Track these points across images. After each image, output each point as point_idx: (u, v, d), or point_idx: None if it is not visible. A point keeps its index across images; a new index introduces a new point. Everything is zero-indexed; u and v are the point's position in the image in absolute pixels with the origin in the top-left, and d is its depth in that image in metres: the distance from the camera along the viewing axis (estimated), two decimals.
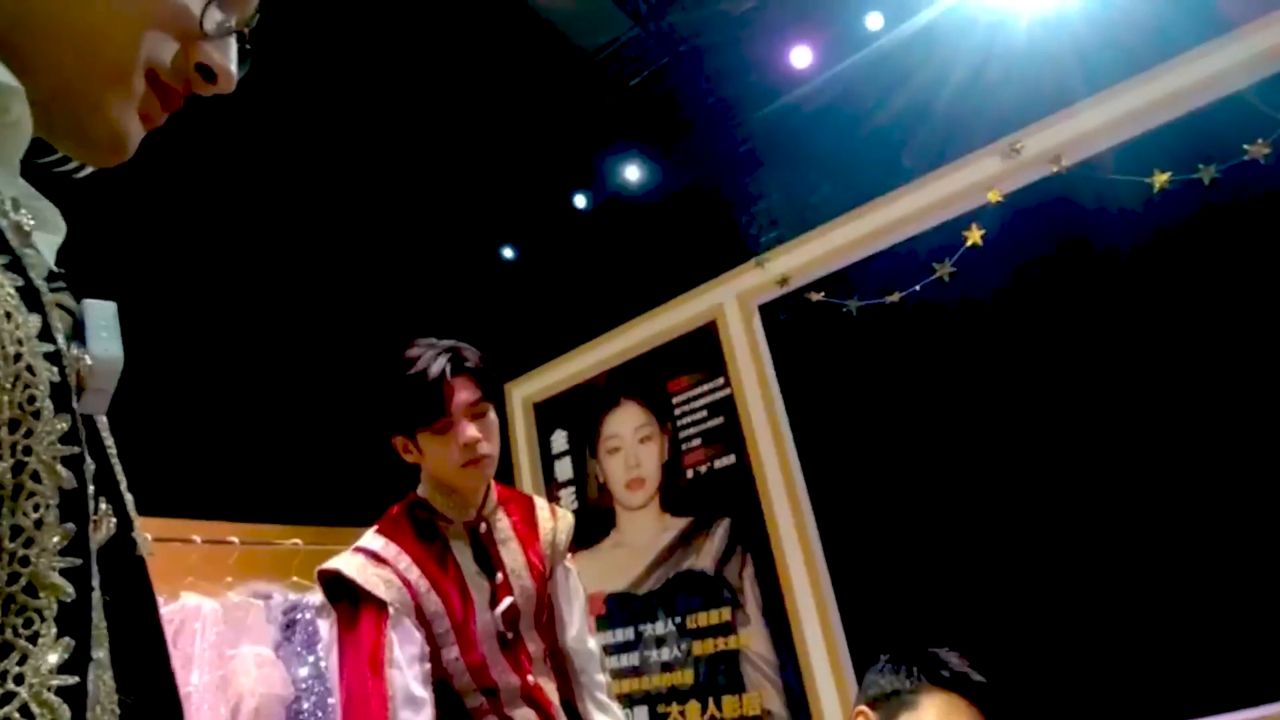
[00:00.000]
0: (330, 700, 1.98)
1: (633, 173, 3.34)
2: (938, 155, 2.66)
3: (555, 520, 1.83)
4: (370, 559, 1.55)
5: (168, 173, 2.28)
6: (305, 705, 1.94)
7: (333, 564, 1.56)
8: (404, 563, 1.57)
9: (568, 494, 3.23)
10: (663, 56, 3.09)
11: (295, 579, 2.23)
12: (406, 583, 1.55)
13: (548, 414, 3.38)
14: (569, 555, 1.85)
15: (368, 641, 1.49)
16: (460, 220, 3.42)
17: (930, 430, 2.61)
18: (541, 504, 1.86)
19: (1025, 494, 2.40)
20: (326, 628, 2.12)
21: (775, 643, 2.68)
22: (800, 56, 2.91)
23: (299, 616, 2.09)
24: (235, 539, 2.28)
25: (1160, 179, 2.29)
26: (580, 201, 3.54)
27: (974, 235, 2.58)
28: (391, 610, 1.52)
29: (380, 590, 1.52)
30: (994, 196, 2.55)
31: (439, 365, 1.58)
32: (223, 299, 2.91)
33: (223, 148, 2.59)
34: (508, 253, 3.69)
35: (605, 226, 3.39)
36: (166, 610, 2.03)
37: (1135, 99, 2.34)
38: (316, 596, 2.16)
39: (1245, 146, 2.18)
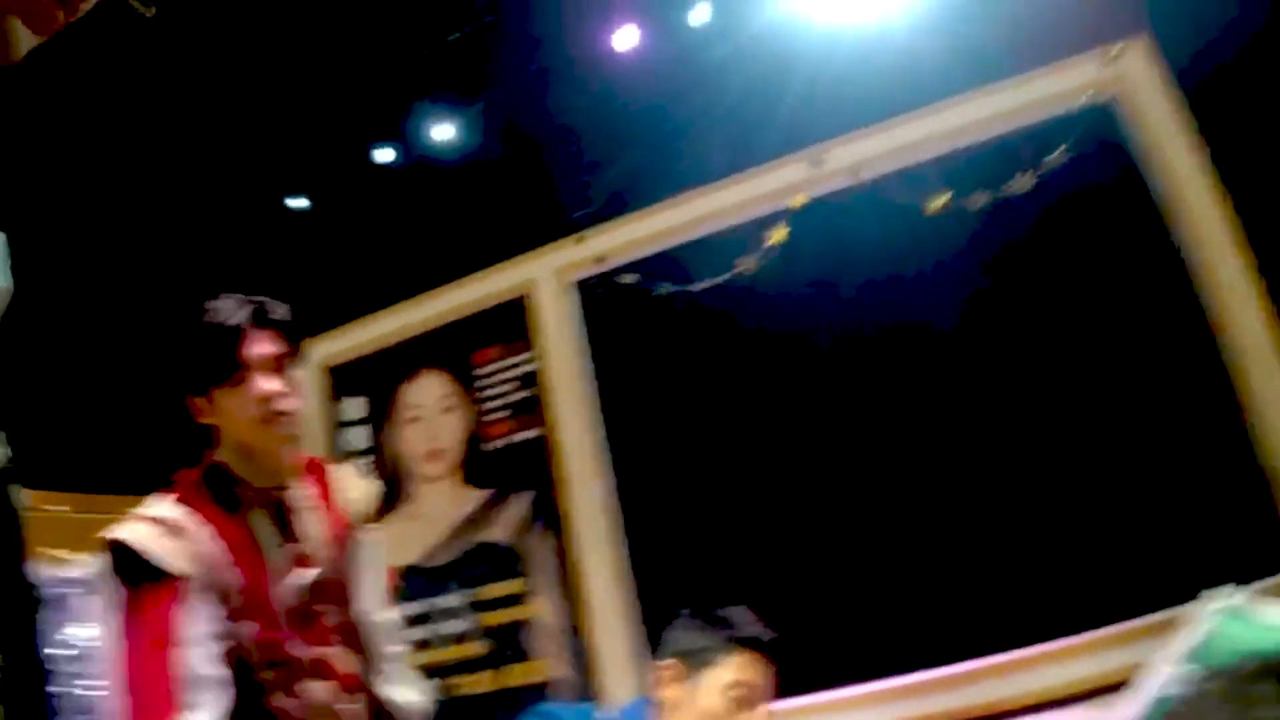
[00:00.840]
0: (92, 681, 1.78)
1: (448, 132, 3.24)
2: (754, 155, 2.82)
3: (357, 489, 1.79)
4: (164, 529, 1.42)
5: None
6: (64, 687, 1.74)
7: (120, 533, 1.41)
8: (203, 534, 1.46)
9: (360, 464, 3.10)
10: (488, 14, 3.01)
11: (58, 551, 1.96)
12: (204, 555, 1.44)
13: (343, 379, 3.21)
14: (369, 525, 1.81)
15: (158, 618, 1.37)
16: (258, 170, 3.15)
17: (727, 415, 2.78)
18: (343, 472, 1.79)
19: (809, 482, 2.64)
20: (96, 602, 1.90)
21: (566, 613, 2.75)
22: (625, 38, 2.94)
23: (61, 591, 1.85)
24: None
25: (939, 201, 2.59)
26: (387, 156, 3.38)
27: (777, 235, 2.77)
28: (186, 585, 1.41)
29: (174, 563, 1.40)
30: (798, 201, 2.74)
31: (238, 316, 1.49)
32: None
33: None
34: (303, 203, 3.46)
35: (418, 186, 3.26)
36: None
37: (929, 126, 2.63)
38: (80, 569, 1.93)
39: (1014, 178, 2.52)
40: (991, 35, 2.47)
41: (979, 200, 2.55)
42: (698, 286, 2.85)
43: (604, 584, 2.72)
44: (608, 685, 2.66)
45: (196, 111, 2.94)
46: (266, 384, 1.48)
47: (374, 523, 1.84)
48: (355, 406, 3.18)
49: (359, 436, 3.15)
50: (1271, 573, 2.13)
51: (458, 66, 3.12)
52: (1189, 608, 1.71)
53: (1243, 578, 1.96)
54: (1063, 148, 2.48)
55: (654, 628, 2.62)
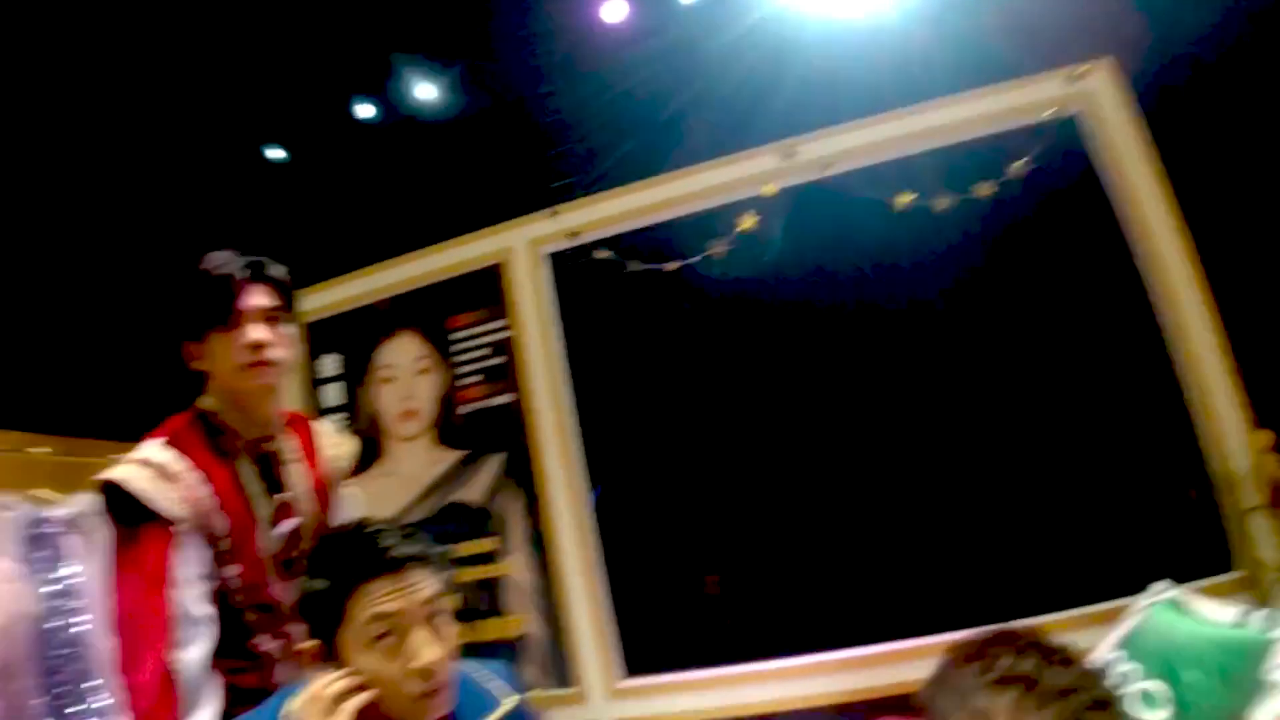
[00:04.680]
0: (81, 618, 1.86)
1: (430, 92, 3.26)
2: (730, 141, 2.90)
3: (338, 445, 1.89)
4: (158, 473, 1.51)
5: None
6: (55, 623, 1.82)
7: (116, 475, 1.50)
8: (193, 479, 1.55)
9: (336, 421, 3.18)
10: None
11: (40, 491, 2.03)
12: (195, 499, 1.54)
13: (320, 336, 3.27)
14: (347, 480, 1.91)
15: (150, 559, 1.47)
16: (239, 121, 3.17)
17: (690, 388, 2.90)
18: (325, 428, 1.90)
19: (755, 450, 2.78)
20: (80, 542, 1.98)
21: (537, 571, 2.88)
22: (613, 10, 2.99)
23: (45, 530, 1.92)
24: None
25: (903, 199, 2.70)
26: (368, 112, 3.40)
27: (747, 222, 2.87)
28: (177, 527, 1.50)
29: (167, 506, 1.50)
30: (769, 190, 2.84)
31: (236, 266, 1.59)
32: None
33: None
34: (281, 155, 3.48)
35: (399, 146, 3.30)
36: None
37: (901, 127, 2.74)
38: (64, 509, 2.00)
39: (978, 184, 2.65)
40: (966, 47, 2.57)
41: (943, 202, 2.67)
42: (669, 266, 2.94)
43: (572, 545, 2.84)
44: (577, 643, 2.79)
45: (179, 57, 2.96)
46: (259, 331, 1.58)
47: (351, 479, 1.95)
48: (332, 364, 3.25)
49: (334, 393, 3.22)
50: (1219, 571, 2.27)
51: (445, 26, 3.14)
52: (1135, 599, 1.77)
53: (1192, 575, 2.10)
54: (1027, 158, 2.61)
55: (621, 587, 2.78)
